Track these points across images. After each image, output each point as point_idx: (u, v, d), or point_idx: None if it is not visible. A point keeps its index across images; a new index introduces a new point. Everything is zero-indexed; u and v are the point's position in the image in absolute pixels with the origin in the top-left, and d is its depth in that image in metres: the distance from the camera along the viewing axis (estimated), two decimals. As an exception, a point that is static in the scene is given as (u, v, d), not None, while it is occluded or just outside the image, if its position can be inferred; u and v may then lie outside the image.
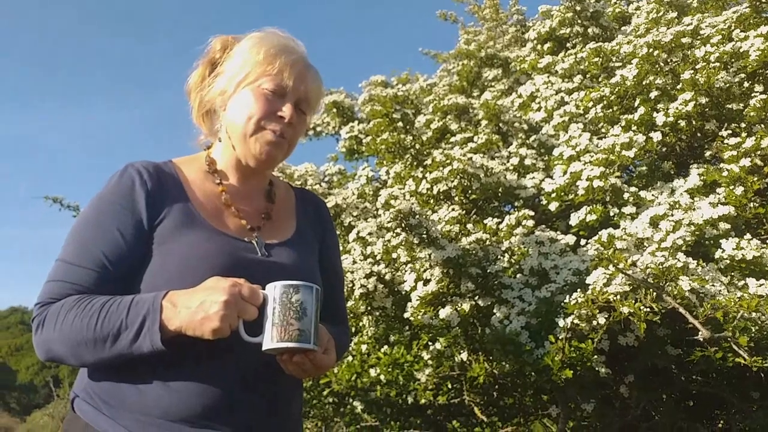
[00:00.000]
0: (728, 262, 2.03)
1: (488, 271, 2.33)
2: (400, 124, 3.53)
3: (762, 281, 1.93)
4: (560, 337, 2.01)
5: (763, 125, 2.52)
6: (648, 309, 1.81)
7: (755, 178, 2.27)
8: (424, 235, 2.34)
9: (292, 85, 1.22)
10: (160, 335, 1.01)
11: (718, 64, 2.71)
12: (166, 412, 1.07)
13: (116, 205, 1.14)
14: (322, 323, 1.17)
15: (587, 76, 3.48)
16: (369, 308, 2.70)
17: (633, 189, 2.52)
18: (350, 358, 3.35)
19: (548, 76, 3.57)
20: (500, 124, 3.34)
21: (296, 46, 1.27)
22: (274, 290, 1.06)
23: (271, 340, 1.05)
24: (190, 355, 1.07)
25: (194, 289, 1.05)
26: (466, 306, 2.30)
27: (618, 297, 1.86)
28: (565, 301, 2.03)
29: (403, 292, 2.58)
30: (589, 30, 3.95)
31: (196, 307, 1.01)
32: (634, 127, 2.76)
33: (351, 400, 3.53)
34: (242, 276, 1.07)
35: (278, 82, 1.21)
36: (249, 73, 1.22)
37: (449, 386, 3.22)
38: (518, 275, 2.37)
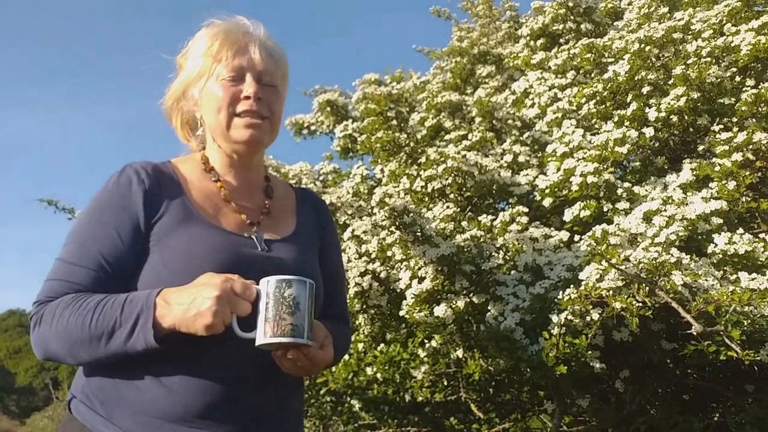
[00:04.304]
0: (721, 256, 2.04)
1: (482, 268, 2.33)
2: (394, 122, 3.53)
3: (754, 275, 1.94)
4: (554, 333, 2.01)
5: (754, 119, 2.53)
6: (641, 304, 1.82)
7: (747, 173, 2.28)
8: (418, 233, 2.34)
9: (246, 63, 1.21)
10: (153, 333, 1.01)
11: (709, 58, 2.72)
12: (164, 412, 1.07)
13: (114, 205, 1.15)
14: (323, 321, 1.17)
15: (580, 72, 3.49)
16: (364, 306, 2.71)
17: (626, 184, 2.52)
18: (347, 356, 3.35)
19: (541, 73, 3.57)
20: (494, 121, 3.35)
21: (238, 25, 1.25)
22: (267, 285, 1.05)
23: (263, 335, 1.04)
24: (187, 353, 1.07)
25: (187, 285, 1.04)
26: (460, 303, 2.30)
27: (610, 292, 1.87)
28: (558, 297, 2.04)
29: (398, 290, 2.58)
30: (582, 26, 3.95)
31: (189, 304, 1.00)
32: (626, 123, 2.77)
33: (348, 399, 3.53)
34: (244, 271, 1.07)
35: (231, 64, 1.20)
36: (202, 67, 1.22)
37: (446, 383, 3.23)
38: (512, 272, 2.37)
